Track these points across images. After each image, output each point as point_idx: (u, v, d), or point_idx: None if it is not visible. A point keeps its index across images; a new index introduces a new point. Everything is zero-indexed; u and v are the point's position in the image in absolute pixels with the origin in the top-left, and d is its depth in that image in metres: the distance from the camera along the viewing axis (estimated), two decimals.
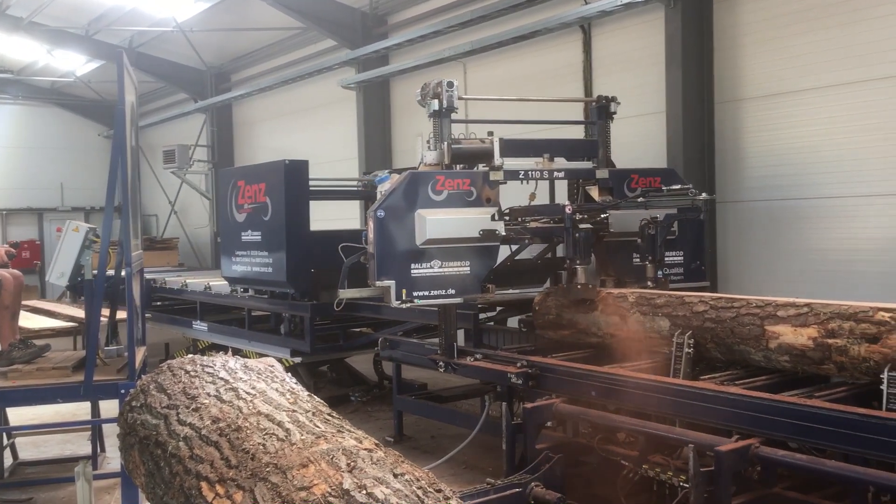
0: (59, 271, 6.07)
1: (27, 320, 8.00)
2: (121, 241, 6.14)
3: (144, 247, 11.52)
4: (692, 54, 9.07)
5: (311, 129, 16.09)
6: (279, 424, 2.91)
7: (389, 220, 6.12)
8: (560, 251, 7.22)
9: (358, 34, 13.78)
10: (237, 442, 2.85)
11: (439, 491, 2.44)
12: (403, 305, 6.20)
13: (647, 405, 5.10)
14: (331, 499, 2.33)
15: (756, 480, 4.45)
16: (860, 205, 8.02)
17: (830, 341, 4.75)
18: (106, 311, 6.33)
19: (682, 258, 7.50)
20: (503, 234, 6.49)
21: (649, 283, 6.68)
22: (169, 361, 3.97)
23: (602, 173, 7.38)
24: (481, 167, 6.70)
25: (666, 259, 6.89)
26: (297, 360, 9.14)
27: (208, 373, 3.63)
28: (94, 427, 7.28)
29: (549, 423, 5.67)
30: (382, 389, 9.73)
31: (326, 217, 11.91)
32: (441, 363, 6.66)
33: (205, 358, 3.90)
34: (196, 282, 11.22)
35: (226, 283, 10.05)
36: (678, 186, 6.97)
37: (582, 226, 6.69)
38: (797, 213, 8.48)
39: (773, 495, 4.50)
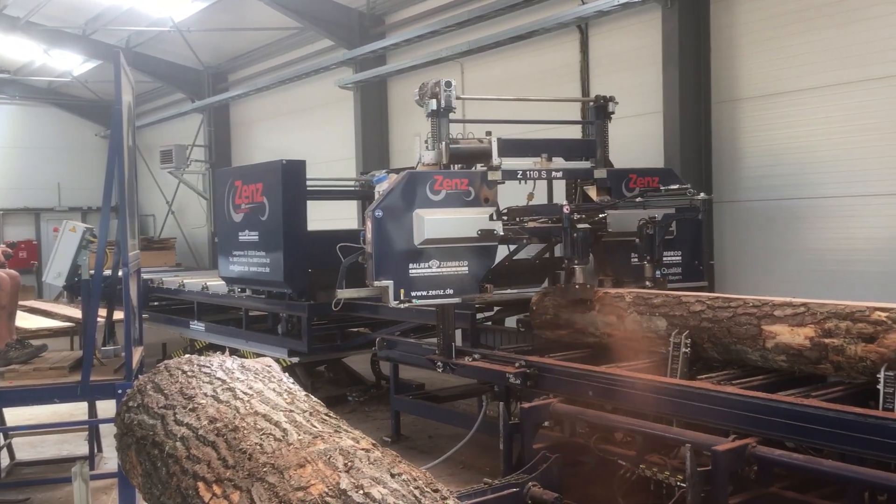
0: (55, 271, 6.08)
1: (24, 320, 7.99)
2: (118, 241, 6.12)
3: (141, 247, 11.49)
4: (689, 54, 9.07)
5: (309, 129, 16.08)
6: (276, 424, 2.91)
7: (387, 219, 6.11)
8: (558, 251, 7.20)
9: (355, 34, 13.77)
10: (234, 442, 2.85)
11: (436, 491, 2.44)
12: (401, 305, 6.18)
13: (644, 405, 5.09)
14: (328, 499, 2.32)
15: (753, 480, 4.44)
16: (857, 204, 8.03)
17: (827, 341, 4.75)
18: (103, 312, 6.32)
19: (680, 258, 7.49)
20: (501, 233, 6.47)
21: (647, 282, 6.67)
22: (166, 361, 3.96)
23: (600, 173, 7.37)
24: (479, 167, 6.68)
25: (664, 259, 6.88)
26: (295, 360, 9.14)
27: (205, 373, 3.63)
28: (91, 427, 7.27)
29: (546, 423, 5.67)
30: (380, 389, 9.71)
31: (324, 217, 11.89)
32: (439, 363, 6.65)
33: (202, 358, 3.89)
34: (193, 282, 11.22)
35: (223, 283, 10.05)
36: (676, 186, 6.96)
37: (580, 226, 6.67)
38: (794, 212, 8.48)
39: (770, 495, 4.50)
